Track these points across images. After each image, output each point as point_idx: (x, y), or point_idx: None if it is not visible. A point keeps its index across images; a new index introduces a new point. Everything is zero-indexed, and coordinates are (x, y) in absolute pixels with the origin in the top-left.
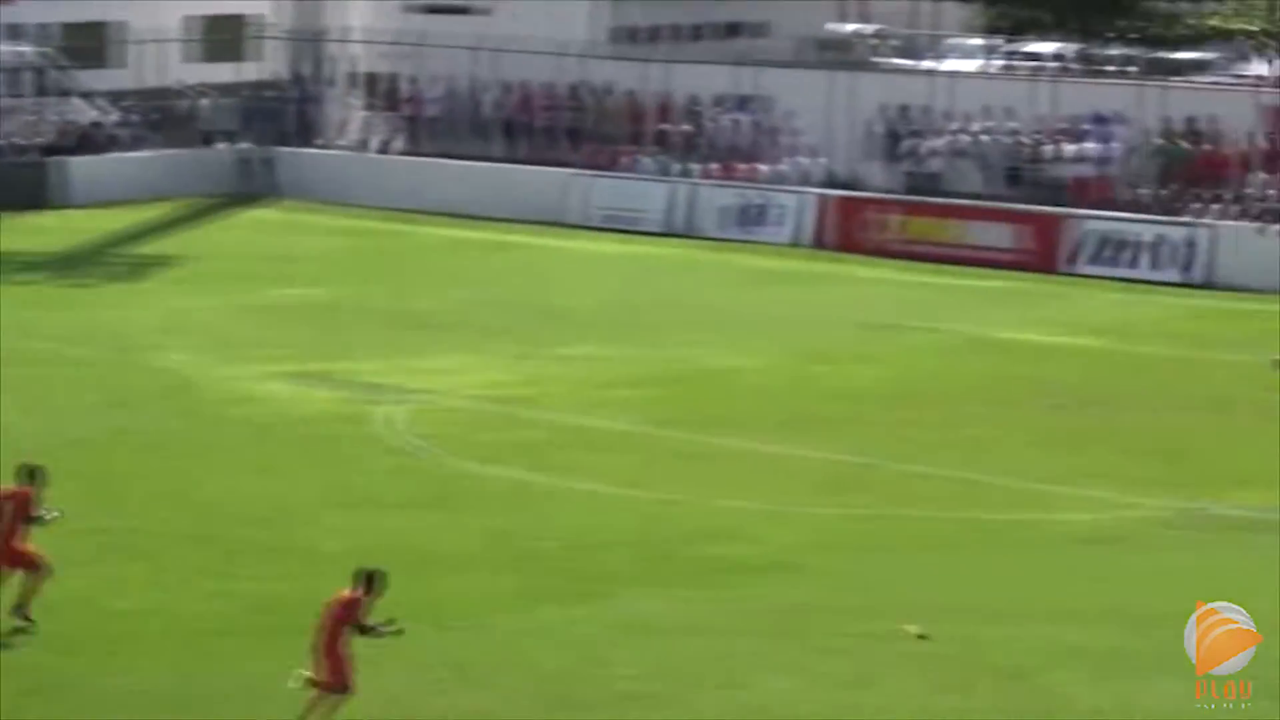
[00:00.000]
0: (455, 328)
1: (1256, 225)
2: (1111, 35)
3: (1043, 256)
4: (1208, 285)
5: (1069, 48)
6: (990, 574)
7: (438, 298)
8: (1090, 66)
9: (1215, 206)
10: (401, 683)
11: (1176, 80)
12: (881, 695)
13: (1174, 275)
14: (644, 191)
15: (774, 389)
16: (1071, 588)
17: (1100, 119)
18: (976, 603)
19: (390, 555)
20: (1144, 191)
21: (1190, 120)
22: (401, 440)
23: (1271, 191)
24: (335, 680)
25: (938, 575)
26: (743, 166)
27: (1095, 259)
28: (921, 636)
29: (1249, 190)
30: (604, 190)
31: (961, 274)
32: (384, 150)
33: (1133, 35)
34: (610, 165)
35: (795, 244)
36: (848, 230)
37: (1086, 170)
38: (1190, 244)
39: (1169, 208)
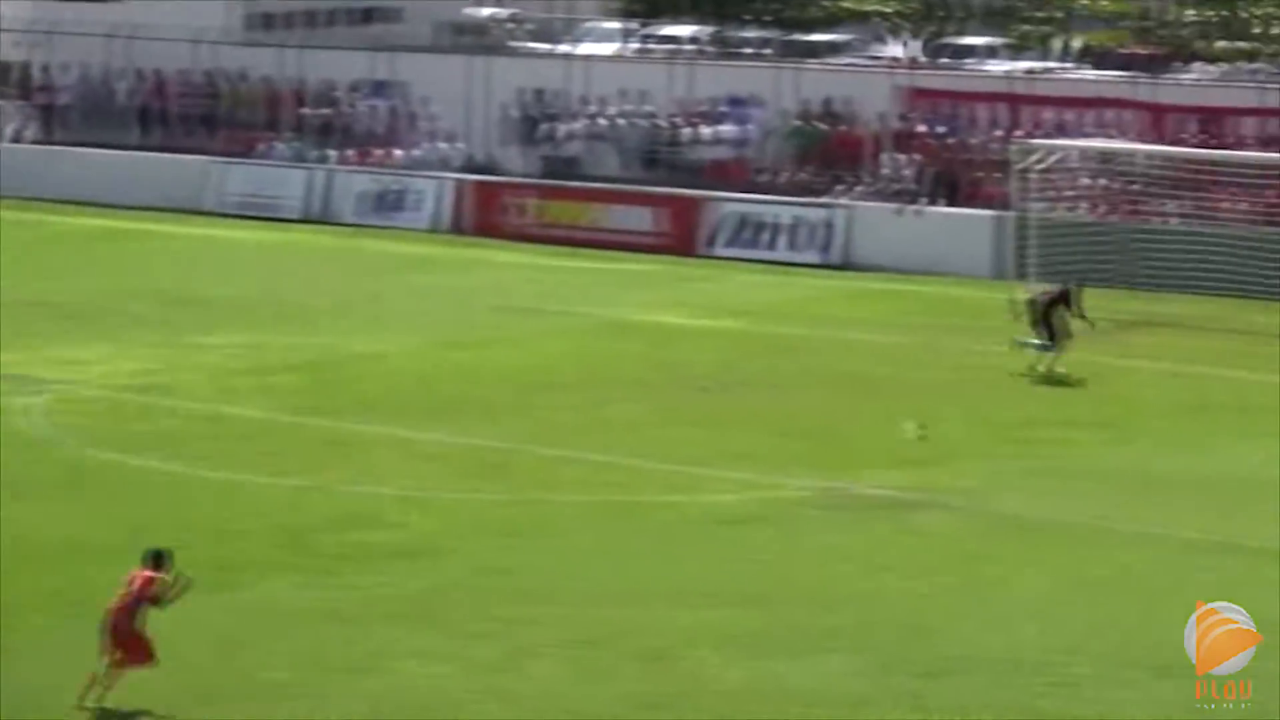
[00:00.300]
0: (93, 317)
1: (894, 206)
2: (747, 18)
3: (681, 239)
4: (846, 266)
5: (704, 31)
6: (634, 557)
7: (75, 287)
8: (726, 49)
9: (858, 188)
10: (42, 676)
11: (812, 62)
12: (526, 680)
13: (812, 256)
14: (281, 178)
15: (415, 375)
16: (716, 569)
17: (737, 101)
18: (621, 586)
19: (29, 546)
20: (782, 174)
21: (826, 102)
22: (39, 431)
23: (906, 172)
24: (141, 655)
25: (581, 559)
26: (380, 152)
27: (734, 241)
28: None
29: (885, 171)
30: (241, 177)
31: (600, 257)
32: (17, 139)
33: (768, 18)
34: (247, 152)
35: (434, 229)
36: (486, 215)
37: (724, 153)
38: (828, 225)
39: (807, 189)
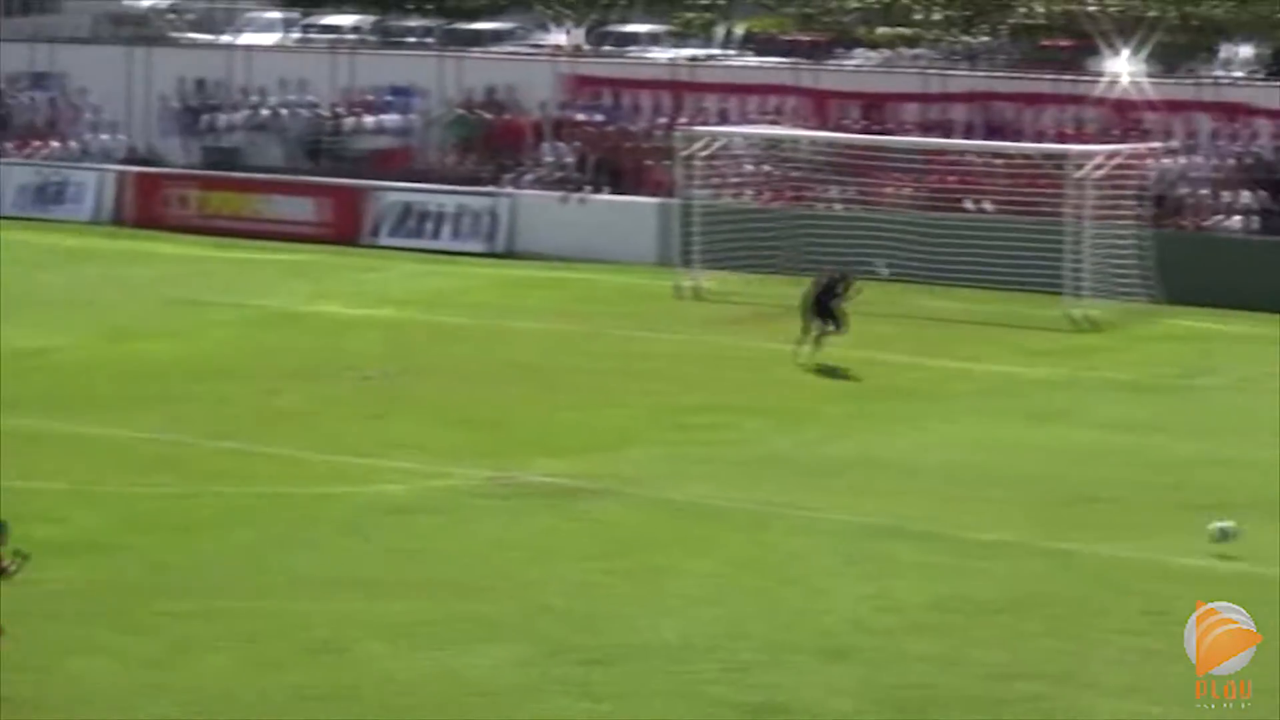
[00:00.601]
0: None
1: (558, 194)
2: (409, 7)
3: (345, 229)
4: (510, 255)
5: (366, 20)
6: (303, 548)
7: None
8: (388, 39)
9: (525, 177)
10: None
11: (475, 51)
12: (192, 675)
13: (477, 245)
14: None
15: (80, 368)
16: (384, 559)
17: (400, 91)
18: (290, 577)
19: None
20: (446, 162)
21: (489, 91)
22: None
23: (569, 160)
24: None
25: (249, 551)
26: (39, 144)
27: (398, 230)
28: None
29: (548, 159)
30: None
31: (264, 248)
32: None
33: (430, 7)
34: None
35: (96, 221)
36: (148, 206)
37: (387, 142)
38: (492, 214)
39: (471, 178)
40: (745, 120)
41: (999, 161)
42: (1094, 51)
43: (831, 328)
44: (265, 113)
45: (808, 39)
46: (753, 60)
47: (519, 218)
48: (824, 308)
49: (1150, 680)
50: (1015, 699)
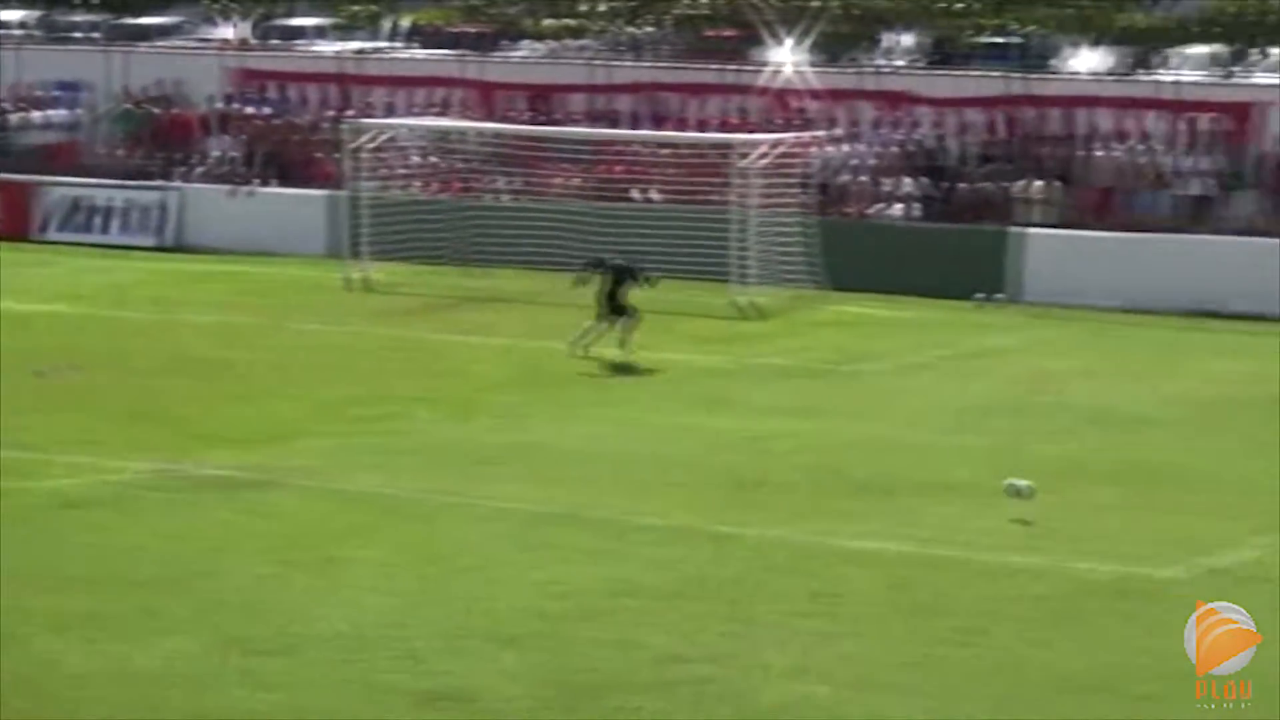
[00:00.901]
0: None
1: (227, 188)
2: (75, 1)
3: (13, 225)
4: (180, 248)
5: (33, 15)
6: None
7: None
8: (55, 33)
9: (195, 170)
10: None
11: (142, 45)
12: None
13: (147, 239)
14: None
15: None
16: (56, 553)
17: (67, 86)
18: None
19: None
20: (116, 155)
21: (157, 84)
22: None
23: (235, 154)
24: None
25: None
26: None
27: (66, 225)
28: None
29: (215, 153)
30: None
31: None
32: None
33: (96, 1)
34: None
35: None
36: None
37: (55, 137)
38: (161, 208)
39: (141, 173)
40: (412, 112)
41: (665, 151)
42: (758, 41)
43: (627, 319)
44: None
45: (474, 30)
46: (419, 53)
47: (188, 211)
48: (614, 302)
49: (819, 661)
50: (686, 681)
